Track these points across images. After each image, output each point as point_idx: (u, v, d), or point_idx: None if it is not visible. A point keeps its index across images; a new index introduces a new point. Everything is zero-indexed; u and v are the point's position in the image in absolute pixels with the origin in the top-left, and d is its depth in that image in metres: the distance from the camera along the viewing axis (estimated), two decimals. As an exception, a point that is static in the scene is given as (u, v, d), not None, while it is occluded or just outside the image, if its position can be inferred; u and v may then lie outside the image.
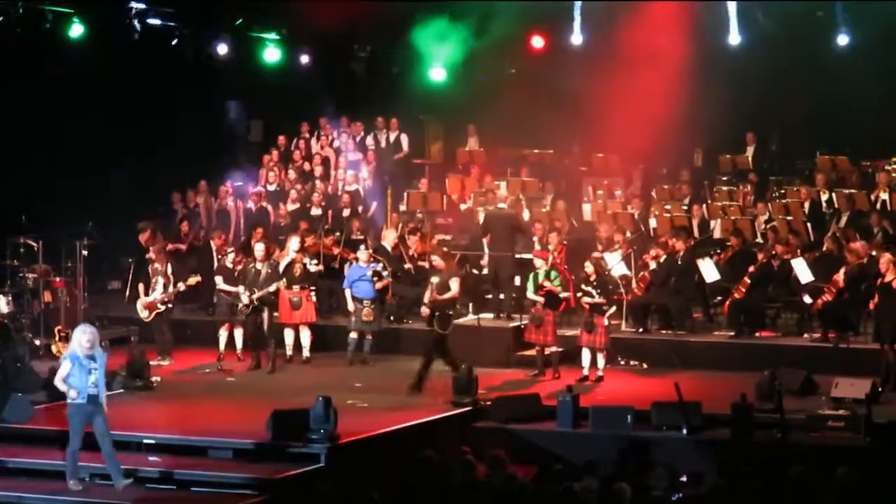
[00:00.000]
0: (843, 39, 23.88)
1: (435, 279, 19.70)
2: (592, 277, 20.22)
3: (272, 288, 20.63)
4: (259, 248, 21.11)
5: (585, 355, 20.13)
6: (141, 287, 21.06)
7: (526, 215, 24.08)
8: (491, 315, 22.41)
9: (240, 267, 21.20)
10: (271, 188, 26.22)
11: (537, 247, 22.25)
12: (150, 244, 22.37)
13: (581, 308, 20.47)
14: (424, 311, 19.66)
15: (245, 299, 20.60)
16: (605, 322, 20.10)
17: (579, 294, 20.20)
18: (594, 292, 20.04)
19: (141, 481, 15.57)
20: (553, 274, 20.22)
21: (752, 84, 25.09)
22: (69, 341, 21.37)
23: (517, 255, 22.63)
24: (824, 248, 21.93)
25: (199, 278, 21.33)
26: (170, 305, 21.04)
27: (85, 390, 15.12)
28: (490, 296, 22.91)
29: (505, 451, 14.28)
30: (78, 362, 15.14)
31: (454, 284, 19.59)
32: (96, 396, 15.16)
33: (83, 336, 15.13)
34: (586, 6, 25.07)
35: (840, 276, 20.27)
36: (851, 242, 21.08)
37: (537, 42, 26.29)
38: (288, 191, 25.84)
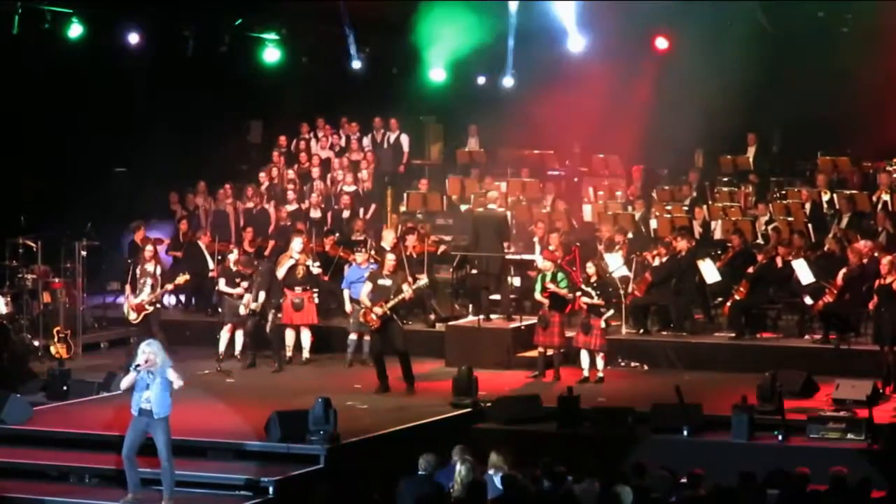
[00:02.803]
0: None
1: (386, 282, 19.48)
2: (593, 279, 20.19)
3: (261, 299, 20.74)
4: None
5: (584, 357, 20.09)
6: (128, 288, 21.00)
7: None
8: (481, 315, 22.13)
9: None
10: (270, 189, 26.21)
11: (538, 248, 22.21)
12: (146, 243, 22.36)
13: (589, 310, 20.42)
14: (378, 311, 19.29)
15: (242, 309, 20.75)
16: (602, 324, 20.02)
17: (578, 293, 20.13)
18: (593, 293, 19.98)
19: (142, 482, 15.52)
20: (560, 276, 20.16)
21: (753, 84, 25.04)
22: (68, 342, 21.62)
23: (517, 256, 22.57)
24: (826, 249, 21.88)
25: (187, 276, 21.29)
26: (158, 306, 21.00)
27: (137, 404, 14.91)
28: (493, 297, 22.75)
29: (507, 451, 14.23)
30: (139, 375, 15.03)
31: (406, 288, 19.42)
32: (150, 411, 14.90)
33: (141, 355, 14.94)
34: (588, 5, 25.06)
35: (840, 277, 20.22)
36: (854, 242, 21.04)
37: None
38: (287, 192, 25.81)
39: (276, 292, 21.07)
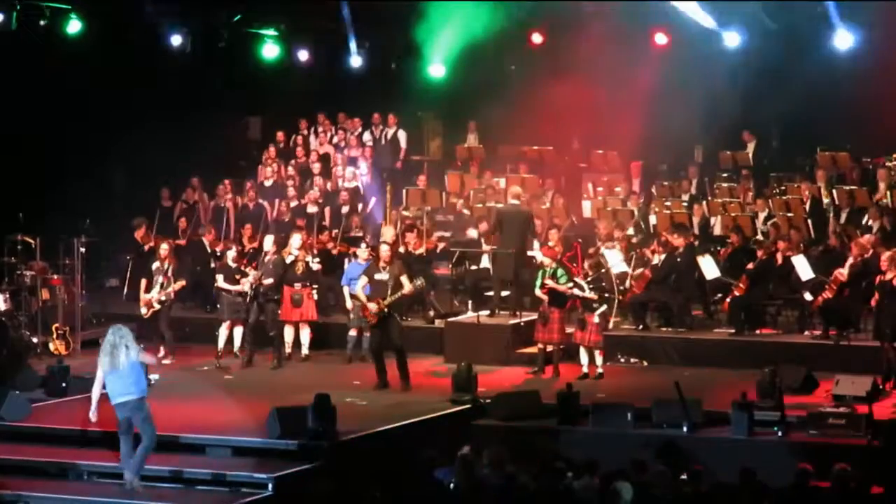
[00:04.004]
0: (843, 37, 23.71)
1: (383, 276, 19.42)
2: (589, 272, 20.16)
3: (267, 281, 20.74)
4: (268, 243, 21.28)
5: (583, 353, 20.07)
6: (143, 283, 21.08)
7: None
8: (487, 312, 22.14)
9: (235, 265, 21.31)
10: (269, 184, 26.22)
11: (537, 244, 22.16)
12: (147, 241, 22.31)
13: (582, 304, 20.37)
14: (373, 308, 19.21)
15: (248, 283, 20.78)
16: (596, 319, 19.96)
17: (570, 285, 20.04)
18: (585, 286, 19.91)
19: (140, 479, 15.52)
20: (560, 272, 20.11)
21: (753, 81, 25.03)
22: (67, 339, 21.60)
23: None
24: (826, 244, 21.85)
25: (183, 282, 21.33)
26: (167, 304, 21.03)
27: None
28: (491, 293, 22.67)
29: (505, 449, 14.23)
30: None
31: (405, 280, 19.41)
32: None
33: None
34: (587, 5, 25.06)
35: (843, 272, 20.19)
36: (857, 237, 21.01)
37: (536, 38, 26.46)
38: (286, 188, 25.80)
39: (280, 290, 21.09)
